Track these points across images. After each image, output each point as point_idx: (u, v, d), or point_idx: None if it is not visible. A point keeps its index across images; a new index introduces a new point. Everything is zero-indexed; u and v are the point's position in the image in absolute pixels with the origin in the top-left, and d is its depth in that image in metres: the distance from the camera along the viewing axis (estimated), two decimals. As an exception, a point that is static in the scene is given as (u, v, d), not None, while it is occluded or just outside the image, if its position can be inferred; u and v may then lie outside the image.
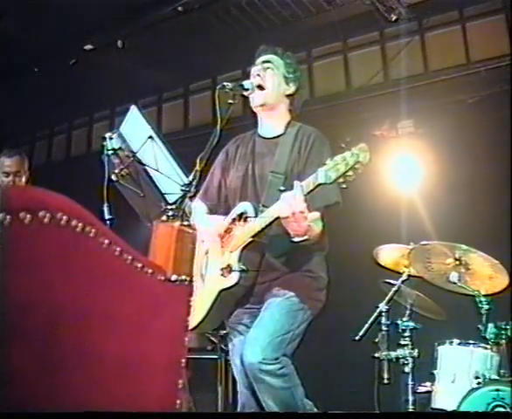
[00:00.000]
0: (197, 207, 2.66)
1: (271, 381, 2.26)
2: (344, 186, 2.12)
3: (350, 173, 2.07)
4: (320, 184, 2.13)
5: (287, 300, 2.39)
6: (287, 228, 2.23)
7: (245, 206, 2.44)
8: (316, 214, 2.33)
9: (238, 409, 2.53)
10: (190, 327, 2.37)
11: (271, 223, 2.28)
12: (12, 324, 1.04)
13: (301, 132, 2.55)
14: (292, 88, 2.61)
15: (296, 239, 2.25)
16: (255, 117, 2.68)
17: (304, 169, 2.43)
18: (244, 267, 2.31)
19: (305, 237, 2.23)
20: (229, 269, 2.34)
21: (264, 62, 2.59)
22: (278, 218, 2.24)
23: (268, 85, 2.55)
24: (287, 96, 2.62)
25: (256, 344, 2.29)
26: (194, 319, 2.38)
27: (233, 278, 2.32)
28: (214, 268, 2.43)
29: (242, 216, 2.42)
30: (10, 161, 3.64)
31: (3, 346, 1.03)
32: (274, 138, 2.59)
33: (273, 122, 2.61)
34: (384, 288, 3.66)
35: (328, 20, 5.28)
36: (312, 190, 2.17)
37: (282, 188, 2.34)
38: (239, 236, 2.37)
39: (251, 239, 2.32)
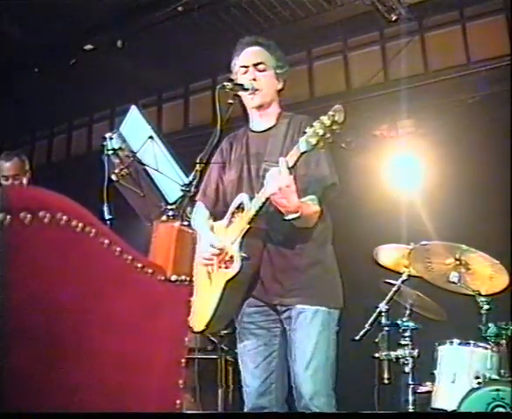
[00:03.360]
0: (198, 209, 2.66)
1: (321, 408, 2.37)
2: (322, 148, 2.17)
3: (328, 135, 2.13)
4: (303, 152, 2.16)
5: (316, 318, 2.42)
6: (278, 205, 2.24)
7: (241, 197, 2.46)
8: (311, 196, 2.37)
9: (246, 409, 2.53)
10: (197, 329, 2.40)
11: (264, 205, 2.29)
12: (12, 324, 1.03)
13: (293, 120, 2.56)
14: (281, 84, 2.63)
15: (289, 216, 2.26)
16: (245, 113, 2.68)
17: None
18: (245, 255, 2.31)
19: (297, 215, 2.24)
20: (231, 259, 2.35)
21: (257, 64, 2.57)
22: (269, 199, 2.25)
23: (264, 86, 2.56)
24: (278, 91, 2.64)
25: (307, 379, 2.38)
26: (203, 319, 2.41)
27: (235, 266, 2.33)
28: (219, 264, 2.45)
29: (239, 208, 2.44)
30: (8, 164, 3.63)
31: (2, 346, 1.02)
32: (267, 130, 2.60)
33: (265, 117, 2.63)
34: (384, 288, 3.66)
35: (328, 20, 5.28)
36: (297, 162, 2.19)
37: None
38: (238, 227, 2.39)
39: (248, 226, 2.33)
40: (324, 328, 2.43)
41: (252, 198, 2.39)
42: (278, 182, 2.18)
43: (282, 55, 2.65)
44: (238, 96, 2.49)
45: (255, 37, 2.68)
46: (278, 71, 2.60)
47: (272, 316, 2.51)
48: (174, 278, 1.35)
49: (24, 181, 3.65)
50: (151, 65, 5.75)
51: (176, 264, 1.37)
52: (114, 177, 2.72)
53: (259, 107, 2.59)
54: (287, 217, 2.26)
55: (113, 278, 1.23)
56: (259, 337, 2.53)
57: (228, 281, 2.35)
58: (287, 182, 2.17)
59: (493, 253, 3.30)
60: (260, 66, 2.57)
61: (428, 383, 3.34)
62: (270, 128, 2.59)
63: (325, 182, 2.43)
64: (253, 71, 2.56)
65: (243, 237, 2.34)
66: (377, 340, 3.52)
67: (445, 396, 3.17)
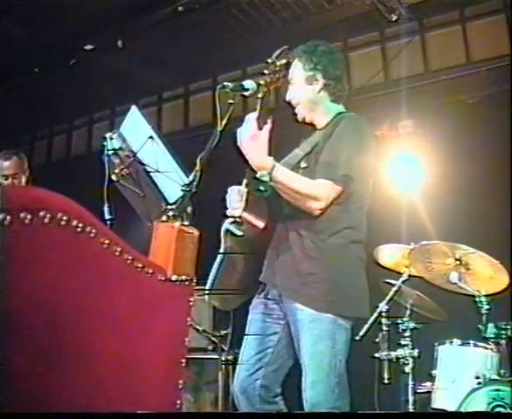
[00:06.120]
0: None
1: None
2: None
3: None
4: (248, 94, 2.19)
5: (313, 328, 2.29)
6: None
7: None
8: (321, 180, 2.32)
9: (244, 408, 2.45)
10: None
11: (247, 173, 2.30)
12: (12, 324, 1.03)
13: (341, 123, 2.47)
14: (319, 83, 2.53)
15: (257, 174, 2.24)
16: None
17: (321, 151, 2.41)
18: (238, 232, 2.28)
19: (263, 172, 2.22)
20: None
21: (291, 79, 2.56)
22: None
23: (299, 100, 2.53)
24: (320, 91, 2.54)
25: (306, 390, 2.27)
26: None
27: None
28: None
29: None
30: (7, 163, 3.61)
31: (3, 346, 1.02)
32: (322, 129, 2.55)
33: (319, 118, 2.57)
34: (384, 288, 3.65)
35: (328, 20, 5.28)
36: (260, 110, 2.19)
37: (304, 164, 2.38)
38: None
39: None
40: (324, 338, 2.28)
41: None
42: (243, 133, 2.19)
43: (310, 55, 2.54)
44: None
45: (297, 50, 2.58)
46: (308, 74, 2.51)
47: (275, 310, 2.44)
48: (174, 278, 1.35)
49: (23, 180, 3.64)
50: (151, 65, 5.75)
51: (177, 264, 1.37)
52: (114, 177, 2.71)
53: (305, 119, 2.55)
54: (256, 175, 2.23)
55: (113, 278, 1.23)
56: (258, 327, 2.45)
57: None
58: (251, 133, 2.17)
59: (493, 253, 3.30)
60: (292, 80, 2.55)
61: (428, 383, 3.34)
62: (324, 128, 2.53)
63: (336, 169, 2.33)
64: (290, 89, 2.56)
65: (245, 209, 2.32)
66: (377, 340, 3.52)
67: (445, 396, 3.17)
